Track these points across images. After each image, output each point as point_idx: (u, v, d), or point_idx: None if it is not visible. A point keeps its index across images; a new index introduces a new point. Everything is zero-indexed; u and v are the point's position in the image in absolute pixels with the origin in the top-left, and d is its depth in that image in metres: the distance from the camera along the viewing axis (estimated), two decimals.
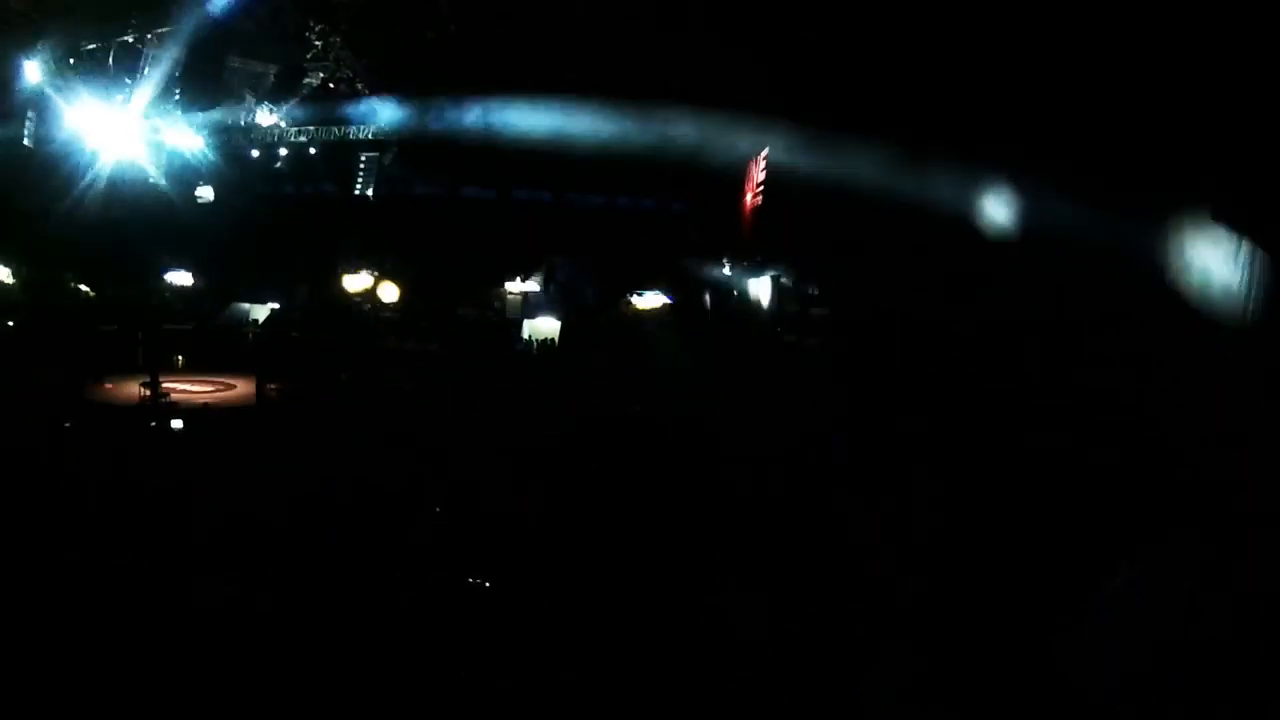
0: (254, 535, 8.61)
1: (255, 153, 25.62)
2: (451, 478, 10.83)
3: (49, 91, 20.63)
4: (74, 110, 21.08)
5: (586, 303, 24.83)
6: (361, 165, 25.21)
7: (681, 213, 25.65)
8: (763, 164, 17.85)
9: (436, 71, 22.49)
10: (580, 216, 26.69)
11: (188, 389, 19.97)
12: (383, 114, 23.30)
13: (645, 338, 22.07)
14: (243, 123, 23.91)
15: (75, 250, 25.07)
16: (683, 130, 22.21)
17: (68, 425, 13.90)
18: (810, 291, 20.00)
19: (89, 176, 22.90)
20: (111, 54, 20.71)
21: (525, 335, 25.02)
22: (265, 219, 27.89)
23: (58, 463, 11.40)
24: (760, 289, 22.20)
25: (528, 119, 23.63)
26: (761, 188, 17.79)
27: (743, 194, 19.82)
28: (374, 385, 20.50)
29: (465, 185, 28.24)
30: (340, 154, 24.56)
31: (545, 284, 25.62)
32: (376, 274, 25.37)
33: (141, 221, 24.72)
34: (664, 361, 19.62)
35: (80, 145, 21.92)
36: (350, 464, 11.55)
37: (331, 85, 21.77)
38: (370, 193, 25.45)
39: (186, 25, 20.01)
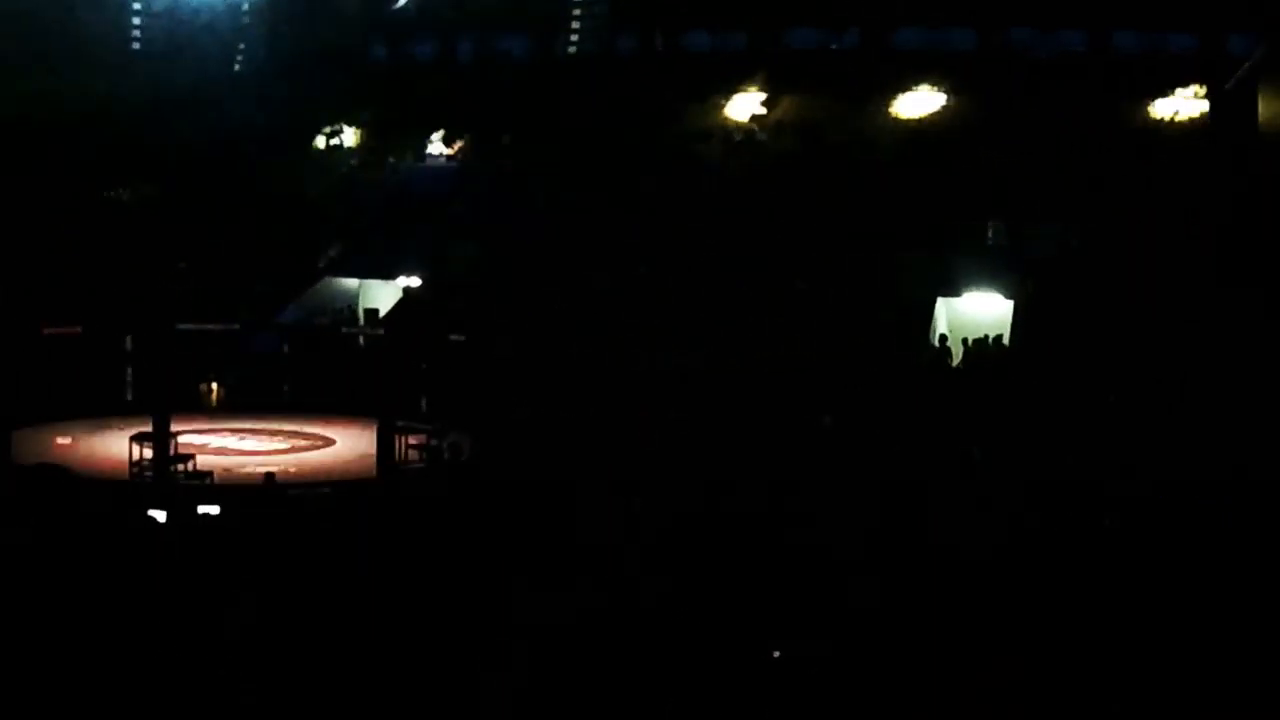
0: None
1: None
2: None
3: None
4: None
5: (1057, 260, 15.92)
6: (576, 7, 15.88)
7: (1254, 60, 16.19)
8: None
9: None
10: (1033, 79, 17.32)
11: (232, 446, 14.86)
12: None
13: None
14: None
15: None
16: None
17: None
18: None
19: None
20: None
21: (942, 331, 16.10)
22: (379, 113, 18.97)
23: None
24: None
25: None
26: None
27: None
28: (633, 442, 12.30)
29: (784, 28, 18.40)
30: None
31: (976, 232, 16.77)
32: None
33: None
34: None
35: None
36: None
37: None
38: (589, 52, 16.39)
39: None
